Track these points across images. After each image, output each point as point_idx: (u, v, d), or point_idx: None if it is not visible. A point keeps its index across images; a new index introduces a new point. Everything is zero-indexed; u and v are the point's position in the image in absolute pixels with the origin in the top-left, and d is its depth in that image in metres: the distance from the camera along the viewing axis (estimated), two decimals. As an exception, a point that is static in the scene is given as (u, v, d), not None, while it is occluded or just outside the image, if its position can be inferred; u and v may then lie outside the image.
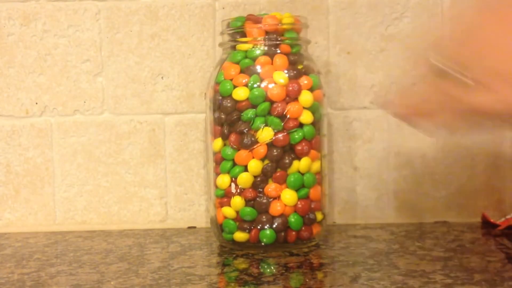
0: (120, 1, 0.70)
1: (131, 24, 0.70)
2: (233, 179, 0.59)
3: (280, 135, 0.57)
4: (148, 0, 0.70)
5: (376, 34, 0.70)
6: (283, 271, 0.52)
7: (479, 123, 0.46)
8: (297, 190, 0.58)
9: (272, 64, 0.58)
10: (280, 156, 0.58)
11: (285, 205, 0.58)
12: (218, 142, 0.60)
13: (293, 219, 0.58)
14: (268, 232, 0.58)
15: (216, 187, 0.60)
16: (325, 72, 0.70)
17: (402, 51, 0.71)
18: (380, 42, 0.70)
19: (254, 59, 0.59)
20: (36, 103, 0.71)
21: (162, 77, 0.71)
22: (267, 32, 0.59)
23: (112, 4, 0.70)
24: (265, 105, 0.57)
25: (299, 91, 0.58)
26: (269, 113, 0.57)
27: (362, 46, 0.70)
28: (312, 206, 0.60)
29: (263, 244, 0.58)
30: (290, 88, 0.58)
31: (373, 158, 0.71)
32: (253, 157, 0.58)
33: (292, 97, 0.58)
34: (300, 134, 0.58)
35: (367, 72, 0.71)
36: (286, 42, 0.60)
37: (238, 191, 0.59)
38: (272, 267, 0.53)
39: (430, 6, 0.70)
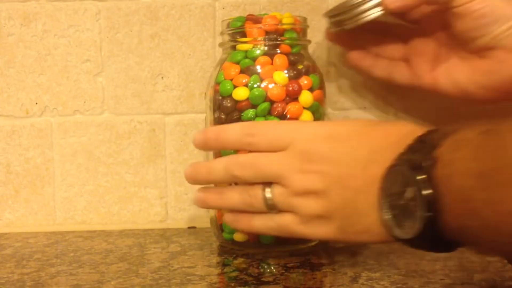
0: (120, 1, 0.70)
1: (131, 24, 0.70)
2: (233, 179, 0.59)
3: (280, 135, 0.57)
4: (148, 0, 0.70)
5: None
6: (283, 271, 0.52)
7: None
8: (297, 190, 0.58)
9: (272, 64, 0.58)
10: (280, 156, 0.58)
11: (285, 205, 0.58)
12: (218, 142, 0.60)
13: (293, 219, 0.58)
14: (268, 232, 0.58)
15: (216, 187, 0.60)
16: (325, 72, 0.70)
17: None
18: (380, 42, 0.70)
19: (254, 59, 0.59)
20: (36, 103, 0.71)
21: (162, 77, 0.71)
22: (267, 32, 0.59)
23: (112, 4, 0.70)
24: (265, 105, 0.57)
25: (299, 91, 0.58)
26: (269, 113, 0.57)
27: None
28: (312, 206, 0.59)
29: (263, 244, 0.58)
30: (290, 88, 0.57)
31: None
32: (253, 157, 0.58)
33: (292, 97, 0.58)
34: (300, 134, 0.58)
35: (367, 72, 0.71)
36: (286, 42, 0.59)
37: (238, 191, 0.58)
38: (272, 267, 0.53)
39: (430, 6, 0.70)
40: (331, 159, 0.49)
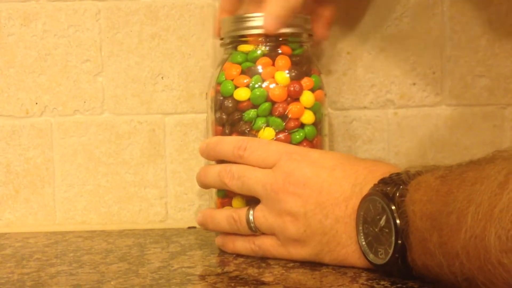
0: (120, 1, 0.70)
1: (131, 24, 0.70)
2: (234, 179, 0.59)
3: (281, 135, 0.57)
4: (148, 0, 0.70)
5: (376, 34, 0.70)
6: (283, 271, 0.52)
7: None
8: (297, 190, 0.58)
9: (273, 64, 0.58)
10: (281, 156, 0.58)
11: (286, 205, 0.58)
12: (219, 142, 0.60)
13: (293, 219, 0.58)
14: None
15: (217, 187, 0.60)
16: (325, 72, 0.70)
17: (402, 51, 0.71)
18: (380, 42, 0.70)
19: (255, 59, 0.58)
20: (36, 103, 0.71)
21: (162, 77, 0.71)
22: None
23: (112, 4, 0.70)
24: (266, 105, 0.57)
25: (300, 92, 0.58)
26: (271, 113, 0.57)
27: (362, 46, 0.70)
28: (313, 206, 0.59)
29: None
30: (292, 89, 0.57)
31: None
32: (254, 157, 0.58)
33: (293, 97, 0.58)
34: (301, 134, 0.58)
35: (367, 72, 0.71)
36: (287, 43, 0.59)
37: (239, 191, 0.58)
38: (273, 267, 0.53)
39: (430, 6, 0.70)
40: (314, 185, 0.51)
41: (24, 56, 0.70)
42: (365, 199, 0.48)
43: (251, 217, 0.54)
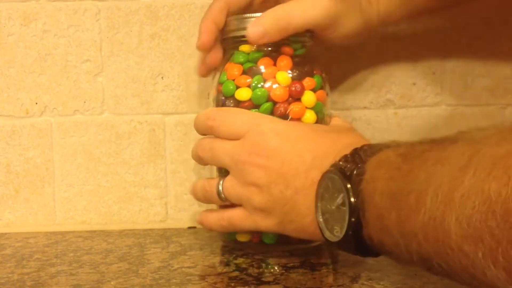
0: (120, 1, 0.70)
1: (131, 24, 0.70)
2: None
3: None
4: (148, 0, 0.70)
5: (377, 34, 0.70)
6: (283, 271, 0.52)
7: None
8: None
9: (274, 64, 0.58)
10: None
11: (286, 205, 0.58)
12: (220, 142, 0.60)
13: (294, 219, 0.58)
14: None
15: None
16: (326, 72, 0.70)
17: (402, 51, 0.71)
18: (380, 42, 0.70)
19: (256, 59, 0.58)
20: (36, 103, 0.71)
21: (162, 77, 0.71)
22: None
23: (112, 4, 0.70)
24: (268, 105, 0.57)
25: (302, 92, 0.58)
26: (272, 113, 0.57)
27: (363, 46, 0.70)
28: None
29: (265, 244, 0.58)
30: (293, 89, 0.57)
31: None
32: (255, 157, 0.58)
33: (295, 97, 0.58)
34: (303, 134, 0.58)
35: (367, 72, 0.71)
36: (289, 43, 0.59)
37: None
38: (273, 267, 0.53)
39: (430, 6, 0.70)
40: (277, 156, 0.52)
41: (24, 56, 0.70)
42: (324, 177, 0.48)
43: (220, 187, 0.55)
